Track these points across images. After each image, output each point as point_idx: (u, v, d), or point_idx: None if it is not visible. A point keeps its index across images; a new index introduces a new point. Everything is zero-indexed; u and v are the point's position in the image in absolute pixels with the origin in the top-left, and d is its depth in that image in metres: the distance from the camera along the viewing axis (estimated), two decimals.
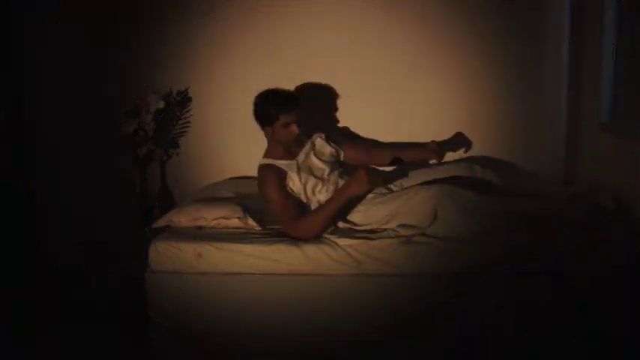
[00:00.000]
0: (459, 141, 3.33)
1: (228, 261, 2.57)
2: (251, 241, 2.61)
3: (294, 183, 2.78)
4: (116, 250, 3.30)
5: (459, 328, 2.48)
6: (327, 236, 2.60)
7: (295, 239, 2.62)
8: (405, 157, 3.09)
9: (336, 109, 3.40)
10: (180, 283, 2.59)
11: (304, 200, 2.78)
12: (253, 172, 3.39)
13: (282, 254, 2.55)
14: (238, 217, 2.76)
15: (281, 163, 2.81)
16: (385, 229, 2.59)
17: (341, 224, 2.71)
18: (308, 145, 2.93)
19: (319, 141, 2.98)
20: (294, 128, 2.76)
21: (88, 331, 2.92)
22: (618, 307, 2.37)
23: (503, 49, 3.30)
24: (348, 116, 3.42)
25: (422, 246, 2.48)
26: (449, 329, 2.49)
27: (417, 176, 2.93)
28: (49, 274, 3.37)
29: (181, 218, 2.81)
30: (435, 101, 3.37)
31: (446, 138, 3.33)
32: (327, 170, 2.87)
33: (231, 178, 3.42)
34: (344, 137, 3.16)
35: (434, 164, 3.07)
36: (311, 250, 2.54)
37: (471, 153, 3.36)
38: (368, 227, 2.66)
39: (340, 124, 3.42)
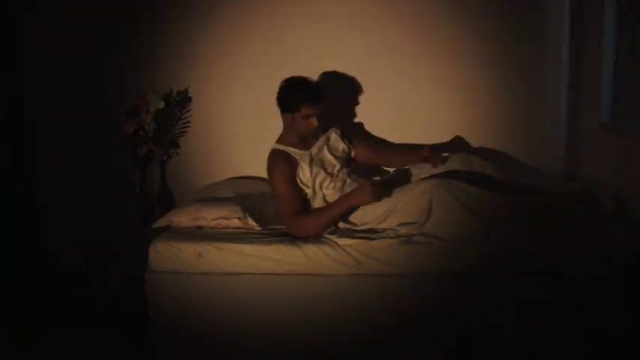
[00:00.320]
0: (458, 144, 3.33)
1: (228, 261, 2.57)
2: (251, 241, 2.61)
3: (304, 174, 2.78)
4: (116, 250, 3.30)
5: (459, 328, 2.48)
6: (327, 236, 2.60)
7: (292, 235, 2.64)
8: (400, 163, 3.06)
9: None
10: (180, 283, 2.59)
11: (310, 193, 2.78)
12: (253, 172, 3.42)
13: (282, 254, 2.55)
14: (238, 218, 2.76)
15: (294, 151, 2.81)
16: (385, 229, 2.59)
17: (341, 224, 2.70)
18: (323, 139, 2.93)
19: (334, 136, 2.98)
20: (314, 121, 2.77)
21: (88, 331, 2.92)
22: (618, 307, 2.37)
23: (503, 49, 3.30)
24: (347, 116, 3.41)
25: (422, 246, 2.48)
26: (449, 329, 2.49)
27: (415, 172, 2.93)
28: (49, 274, 3.37)
29: (181, 218, 2.81)
30: (435, 101, 3.36)
31: (445, 140, 3.33)
32: (338, 166, 2.87)
33: (231, 178, 3.42)
34: (355, 135, 3.15)
35: None
36: (311, 250, 2.54)
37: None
38: (367, 226, 2.66)
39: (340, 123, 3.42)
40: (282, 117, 2.85)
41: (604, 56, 2.91)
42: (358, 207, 2.69)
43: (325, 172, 2.82)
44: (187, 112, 3.47)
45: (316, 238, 2.62)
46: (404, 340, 2.50)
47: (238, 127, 3.46)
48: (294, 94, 2.77)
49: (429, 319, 2.49)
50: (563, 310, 2.42)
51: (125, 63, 3.39)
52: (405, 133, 3.37)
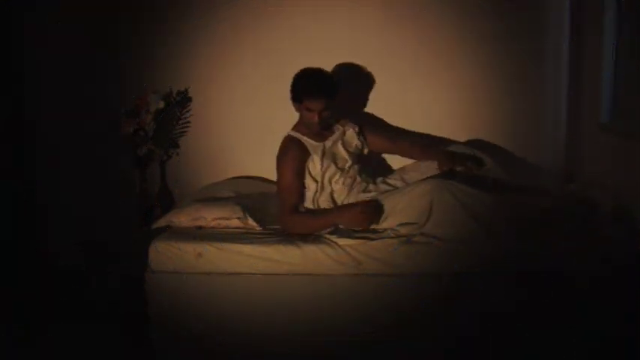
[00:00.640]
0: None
1: (228, 261, 2.57)
2: (251, 241, 2.61)
3: (315, 167, 2.79)
4: (116, 250, 3.30)
5: (459, 328, 2.48)
6: (327, 236, 2.60)
7: (280, 225, 2.70)
8: (419, 157, 2.98)
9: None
10: (180, 283, 2.59)
11: (317, 187, 2.78)
12: (254, 172, 3.42)
13: (282, 254, 2.55)
14: (238, 218, 2.76)
15: (307, 140, 2.83)
16: (385, 229, 2.59)
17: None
18: (339, 133, 2.93)
19: (351, 132, 2.96)
20: (313, 116, 2.75)
21: (88, 331, 2.92)
22: (618, 307, 2.37)
23: (503, 49, 3.30)
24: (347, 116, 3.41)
25: (422, 246, 2.48)
26: (449, 329, 2.49)
27: (416, 169, 2.92)
28: (49, 274, 3.37)
29: (181, 218, 2.81)
30: (434, 101, 3.36)
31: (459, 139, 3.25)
32: (350, 162, 2.87)
33: (231, 178, 3.41)
34: (370, 124, 3.13)
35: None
36: (311, 250, 2.54)
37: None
38: None
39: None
40: (294, 105, 2.85)
41: (604, 56, 2.91)
42: (355, 199, 2.73)
43: (336, 166, 2.82)
44: (187, 112, 3.46)
45: (316, 237, 2.61)
46: (404, 340, 2.50)
47: (238, 127, 3.45)
48: (299, 86, 2.77)
49: (429, 319, 2.49)
50: (563, 310, 2.42)
51: (125, 63, 3.38)
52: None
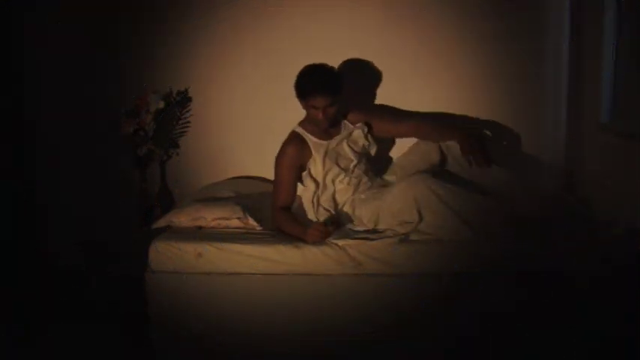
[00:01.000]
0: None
1: (228, 261, 2.57)
2: (251, 242, 2.61)
3: (316, 167, 2.79)
4: (116, 250, 3.30)
5: (459, 328, 2.48)
6: None
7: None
8: (434, 138, 2.88)
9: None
10: (180, 283, 2.59)
11: (316, 187, 2.77)
12: (254, 172, 3.42)
13: (282, 255, 2.55)
14: (238, 218, 2.76)
15: (311, 138, 2.82)
16: (385, 229, 2.58)
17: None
18: (345, 132, 2.90)
19: (358, 132, 2.93)
20: (318, 113, 2.72)
21: (88, 331, 2.92)
22: (618, 307, 2.37)
23: (503, 49, 3.30)
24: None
25: (421, 246, 2.48)
26: (449, 329, 2.49)
27: (413, 152, 2.93)
28: (49, 274, 3.37)
29: (181, 218, 2.81)
30: (434, 101, 3.36)
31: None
32: (355, 161, 2.84)
33: (231, 178, 3.41)
34: (372, 109, 3.11)
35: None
36: (311, 250, 2.54)
37: None
38: (364, 227, 2.66)
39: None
40: (300, 103, 2.81)
41: (604, 56, 2.91)
42: (341, 200, 2.80)
43: (339, 167, 2.80)
44: (187, 112, 3.46)
45: None
46: (404, 340, 2.50)
47: (238, 127, 3.45)
48: (302, 83, 2.74)
49: (429, 319, 2.49)
50: (563, 310, 2.42)
51: (125, 63, 3.38)
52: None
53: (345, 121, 2.93)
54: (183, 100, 3.43)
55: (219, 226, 2.79)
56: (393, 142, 3.39)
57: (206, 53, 3.41)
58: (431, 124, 2.94)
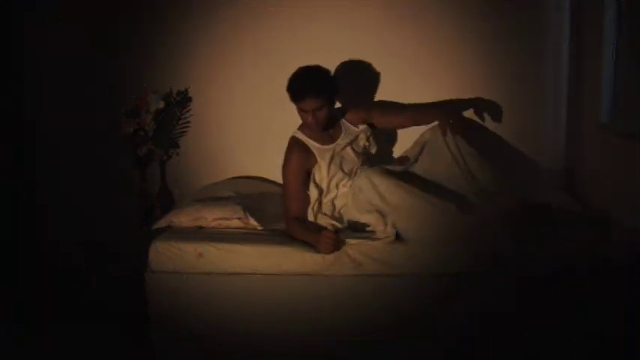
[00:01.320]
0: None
1: (228, 261, 2.57)
2: (252, 242, 2.61)
3: (321, 173, 2.74)
4: (116, 250, 3.30)
5: (459, 328, 2.48)
6: None
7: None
8: (428, 121, 2.88)
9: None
10: (180, 283, 2.59)
11: (318, 194, 2.74)
12: (254, 171, 3.42)
13: (283, 255, 2.55)
14: (239, 218, 2.76)
15: (313, 144, 2.77)
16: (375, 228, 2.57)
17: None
18: (351, 137, 2.85)
19: (361, 135, 2.89)
20: (307, 117, 2.69)
21: (88, 331, 2.92)
22: (618, 307, 2.37)
23: (503, 49, 3.30)
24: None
25: (421, 246, 2.48)
26: (449, 329, 2.49)
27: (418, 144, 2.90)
28: (49, 274, 3.37)
29: (181, 218, 2.81)
30: (434, 101, 3.36)
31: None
32: (359, 164, 2.80)
33: (231, 178, 3.41)
34: (370, 105, 3.10)
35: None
36: (311, 250, 2.54)
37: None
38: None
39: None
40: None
41: (604, 56, 2.91)
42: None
43: (343, 172, 2.76)
44: (187, 112, 3.47)
45: None
46: (404, 340, 2.50)
47: (238, 127, 3.45)
48: (289, 87, 2.69)
49: (428, 319, 2.49)
50: (563, 310, 2.42)
51: (125, 63, 3.39)
52: (405, 133, 3.36)
53: (344, 120, 2.90)
54: (183, 100, 3.43)
55: (219, 226, 2.79)
56: (392, 143, 3.40)
57: (206, 53, 3.41)
58: (423, 110, 3.02)
